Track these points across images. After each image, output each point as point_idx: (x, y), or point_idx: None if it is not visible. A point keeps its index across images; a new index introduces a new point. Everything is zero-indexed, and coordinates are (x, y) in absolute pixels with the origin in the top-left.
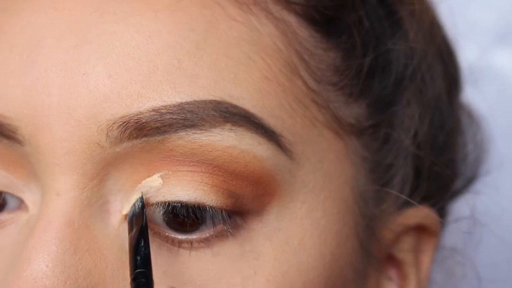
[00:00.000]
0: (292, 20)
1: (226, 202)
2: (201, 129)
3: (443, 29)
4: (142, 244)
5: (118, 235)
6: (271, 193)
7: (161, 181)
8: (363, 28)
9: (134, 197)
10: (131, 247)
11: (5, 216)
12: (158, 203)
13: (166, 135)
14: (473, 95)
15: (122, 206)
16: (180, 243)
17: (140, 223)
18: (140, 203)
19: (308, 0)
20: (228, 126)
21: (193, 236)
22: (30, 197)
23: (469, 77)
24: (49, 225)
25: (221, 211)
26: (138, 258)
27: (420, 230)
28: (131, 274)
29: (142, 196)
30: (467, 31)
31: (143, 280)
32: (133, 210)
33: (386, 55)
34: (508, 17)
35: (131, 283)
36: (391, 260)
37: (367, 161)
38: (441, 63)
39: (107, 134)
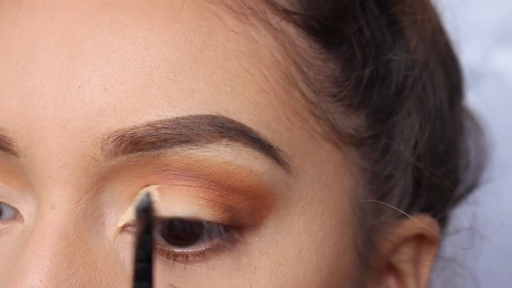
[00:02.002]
0: (291, 30)
1: (222, 217)
2: (196, 145)
3: (446, 36)
4: (147, 239)
5: (113, 248)
6: (268, 206)
7: (157, 193)
8: (363, 38)
9: (130, 210)
10: (135, 240)
11: None
12: None
13: (161, 150)
14: (473, 97)
15: (117, 219)
16: (175, 256)
17: (146, 219)
18: (148, 198)
19: (308, 10)
20: (224, 141)
21: (189, 250)
22: (25, 208)
23: (470, 79)
24: (43, 239)
25: (218, 225)
26: (142, 252)
27: (420, 239)
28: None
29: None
30: (468, 33)
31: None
32: (140, 204)
33: (386, 65)
34: (509, 18)
35: None
36: (391, 269)
37: (366, 172)
38: (443, 71)
39: (102, 147)
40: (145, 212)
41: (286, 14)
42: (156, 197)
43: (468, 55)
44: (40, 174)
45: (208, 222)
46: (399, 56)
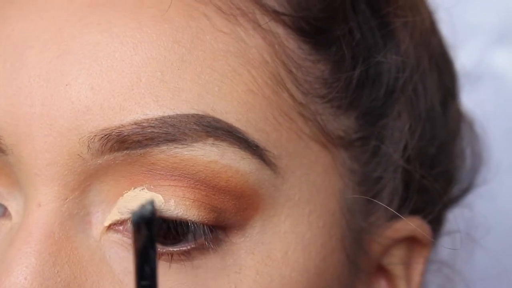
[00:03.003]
0: (280, 31)
1: (208, 217)
2: (182, 144)
3: (440, 37)
4: (152, 254)
5: (99, 247)
6: (254, 207)
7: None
8: (353, 39)
9: (115, 209)
10: (138, 255)
11: None
12: None
13: (147, 149)
14: (471, 97)
15: (104, 218)
16: (160, 255)
17: (148, 231)
18: (151, 207)
19: (298, 11)
20: (210, 140)
21: (174, 249)
22: (13, 205)
23: (467, 79)
24: (29, 237)
25: (203, 226)
26: (147, 268)
27: (411, 242)
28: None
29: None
30: (466, 33)
31: None
32: (141, 214)
33: (376, 66)
34: (507, 18)
35: None
36: (382, 271)
37: (356, 174)
38: (436, 72)
39: (89, 146)
40: (147, 222)
41: (275, 15)
42: (160, 203)
43: (466, 55)
44: (27, 172)
45: (194, 223)
46: (390, 58)
